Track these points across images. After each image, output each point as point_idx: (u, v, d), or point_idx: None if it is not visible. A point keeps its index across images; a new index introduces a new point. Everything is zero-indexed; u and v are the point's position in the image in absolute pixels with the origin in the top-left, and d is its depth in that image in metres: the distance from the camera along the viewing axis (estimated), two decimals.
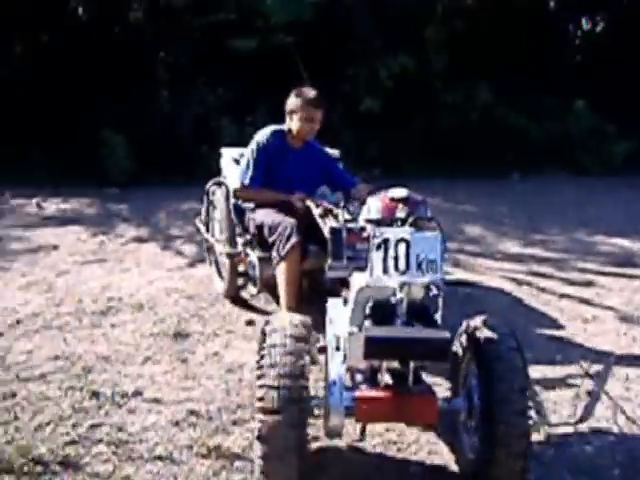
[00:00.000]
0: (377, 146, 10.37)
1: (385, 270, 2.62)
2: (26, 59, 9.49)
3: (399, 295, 2.63)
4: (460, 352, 2.89)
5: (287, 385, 2.51)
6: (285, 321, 2.76)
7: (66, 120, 9.13)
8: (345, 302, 3.08)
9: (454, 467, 2.95)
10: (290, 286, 3.95)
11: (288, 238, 3.95)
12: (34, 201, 7.81)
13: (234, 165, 4.85)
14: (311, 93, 4.35)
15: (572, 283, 5.47)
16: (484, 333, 2.75)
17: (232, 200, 4.46)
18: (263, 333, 2.73)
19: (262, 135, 4.44)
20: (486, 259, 6.06)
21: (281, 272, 3.98)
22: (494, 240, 6.80)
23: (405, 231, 2.66)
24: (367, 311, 2.73)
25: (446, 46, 10.60)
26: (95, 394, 3.40)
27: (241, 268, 4.53)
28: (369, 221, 2.89)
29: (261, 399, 2.52)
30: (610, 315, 4.79)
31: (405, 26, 10.29)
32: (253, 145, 4.40)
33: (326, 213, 3.68)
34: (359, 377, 2.90)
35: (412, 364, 2.65)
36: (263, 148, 4.36)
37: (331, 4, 9.91)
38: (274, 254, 4.01)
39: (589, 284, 5.45)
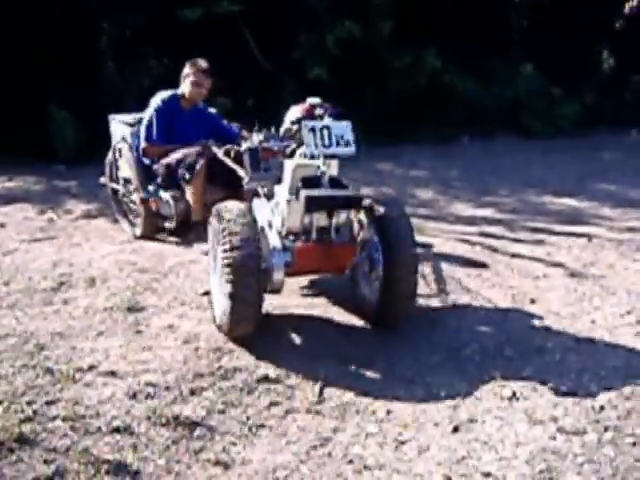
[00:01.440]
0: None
1: (316, 145, 3.57)
2: None
3: (322, 169, 3.61)
4: (363, 219, 3.86)
5: (248, 246, 3.44)
6: (237, 205, 3.68)
7: (11, 97, 8.85)
8: (269, 198, 3.99)
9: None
10: (199, 201, 4.83)
11: (194, 163, 4.88)
12: None
13: (125, 127, 5.61)
14: (203, 63, 5.28)
15: (523, 242, 5.56)
16: (385, 209, 3.77)
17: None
18: (219, 214, 3.61)
19: (159, 99, 5.30)
20: (438, 222, 6.12)
21: (192, 192, 4.90)
22: (446, 203, 6.86)
23: (326, 121, 3.71)
24: (299, 183, 3.65)
25: (392, 11, 10.55)
26: (49, 370, 3.35)
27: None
28: (293, 122, 3.83)
29: (227, 258, 3.42)
30: (560, 272, 4.89)
31: None
32: (151, 109, 5.27)
33: (227, 152, 4.62)
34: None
35: (334, 220, 3.74)
36: (161, 110, 5.22)
37: None
38: (186, 176, 4.92)
39: (539, 243, 5.55)
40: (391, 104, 10.61)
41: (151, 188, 5.27)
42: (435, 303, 4.32)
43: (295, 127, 3.79)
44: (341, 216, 3.79)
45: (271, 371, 3.39)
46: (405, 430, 2.99)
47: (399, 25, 10.42)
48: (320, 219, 3.76)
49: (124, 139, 5.53)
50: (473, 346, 3.72)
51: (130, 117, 5.69)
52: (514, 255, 5.22)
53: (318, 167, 3.62)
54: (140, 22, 9.90)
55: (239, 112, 9.69)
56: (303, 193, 3.59)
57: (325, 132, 3.62)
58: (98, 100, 9.03)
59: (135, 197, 5.39)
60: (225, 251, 3.47)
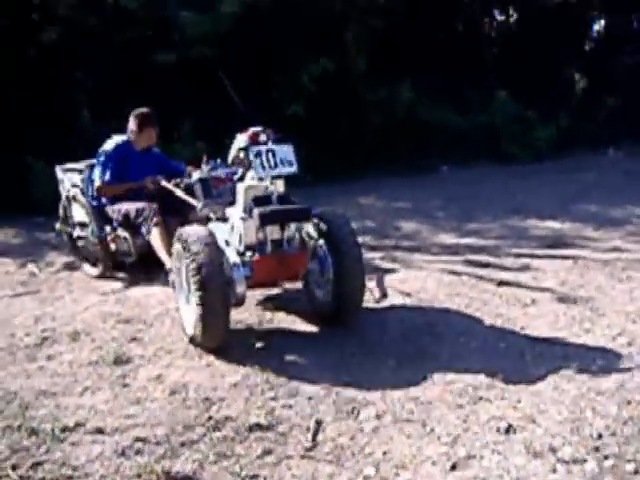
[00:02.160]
0: (306, 151, 10.31)
1: (263, 167, 4.15)
2: None
3: (270, 188, 4.19)
4: (313, 233, 4.33)
5: (212, 263, 3.87)
6: (198, 229, 4.13)
7: None
8: (223, 221, 4.50)
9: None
10: (165, 246, 5.03)
11: (153, 216, 5.27)
12: None
13: (75, 174, 6.00)
14: (146, 115, 5.78)
15: (508, 269, 5.55)
16: (330, 220, 4.34)
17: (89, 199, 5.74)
18: (182, 238, 4.03)
19: (113, 143, 5.75)
20: (423, 253, 6.10)
21: (155, 240, 5.23)
22: (429, 234, 6.86)
23: (270, 145, 4.24)
24: (251, 203, 4.17)
25: (366, 47, 10.69)
26: (34, 431, 3.26)
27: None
28: (241, 149, 4.30)
29: (195, 276, 3.83)
30: (547, 297, 4.87)
31: (323, 30, 10.34)
32: (103, 154, 5.70)
33: (177, 185, 5.19)
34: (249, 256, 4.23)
35: (286, 233, 4.21)
36: (115, 153, 5.66)
37: (247, 14, 9.85)
38: (144, 230, 5.30)
39: (525, 268, 5.54)
40: (368, 137, 10.68)
41: (108, 229, 5.65)
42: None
43: (242, 154, 4.30)
44: (291, 229, 4.26)
45: (262, 418, 3.32)
46: (402, 470, 2.93)
47: (374, 59, 10.55)
48: (273, 233, 4.21)
49: (75, 185, 5.91)
50: (466, 380, 3.66)
51: (79, 165, 6.05)
52: (501, 282, 5.20)
53: (266, 187, 4.21)
54: (115, 69, 9.92)
55: (217, 153, 9.75)
56: (256, 211, 4.08)
57: (270, 155, 4.22)
58: (75, 149, 8.99)
59: (92, 238, 5.70)
60: (193, 270, 3.86)
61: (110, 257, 5.66)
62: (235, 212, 4.32)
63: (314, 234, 4.35)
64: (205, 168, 4.76)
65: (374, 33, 10.90)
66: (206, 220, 4.68)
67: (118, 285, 5.50)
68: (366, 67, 10.71)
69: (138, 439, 3.15)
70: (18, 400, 3.59)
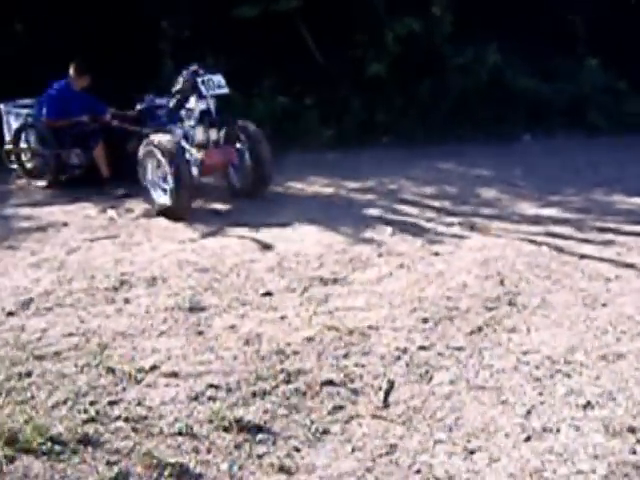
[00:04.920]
0: (385, 112, 10.19)
1: (207, 89, 6.25)
2: (27, 38, 9.31)
3: (211, 105, 6.35)
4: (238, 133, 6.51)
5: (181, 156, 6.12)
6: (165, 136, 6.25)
7: None
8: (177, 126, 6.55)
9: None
10: (105, 159, 7.11)
11: (98, 137, 7.12)
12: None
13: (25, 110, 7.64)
14: (84, 63, 7.36)
15: (591, 243, 5.36)
16: (247, 126, 6.59)
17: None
18: (157, 141, 6.11)
19: (56, 87, 7.27)
20: (502, 221, 5.94)
21: (99, 153, 7.08)
22: (510, 202, 6.66)
23: (209, 75, 6.34)
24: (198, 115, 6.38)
25: (453, 7, 10.35)
26: (112, 370, 3.34)
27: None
28: (185, 80, 6.40)
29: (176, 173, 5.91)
30: (632, 274, 4.68)
31: None
32: (51, 95, 7.25)
33: (124, 116, 7.21)
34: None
35: (220, 134, 6.43)
36: (57, 95, 7.22)
37: None
38: (92, 146, 7.11)
39: (609, 243, 5.34)
40: (450, 101, 10.41)
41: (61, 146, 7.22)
42: None
43: (185, 84, 6.35)
44: (222, 131, 6.42)
45: (334, 375, 3.31)
46: (474, 439, 2.87)
47: (460, 20, 10.21)
48: (212, 134, 6.38)
49: (29, 115, 7.49)
50: (544, 352, 3.57)
51: (22, 103, 7.75)
52: (582, 256, 5.03)
53: (208, 105, 6.34)
54: (199, 21, 9.92)
55: (298, 111, 9.71)
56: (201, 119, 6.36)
57: (209, 81, 6.29)
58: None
59: (47, 153, 7.21)
60: (169, 161, 5.90)
61: (61, 170, 7.25)
62: (186, 123, 6.44)
63: (238, 137, 6.50)
64: (147, 100, 7.13)
65: None
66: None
67: (195, 235, 5.56)
68: (451, 28, 10.39)
69: (211, 385, 3.19)
70: (97, 339, 3.68)
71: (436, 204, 6.51)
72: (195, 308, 4.03)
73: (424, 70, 10.31)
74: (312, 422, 2.95)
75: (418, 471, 2.66)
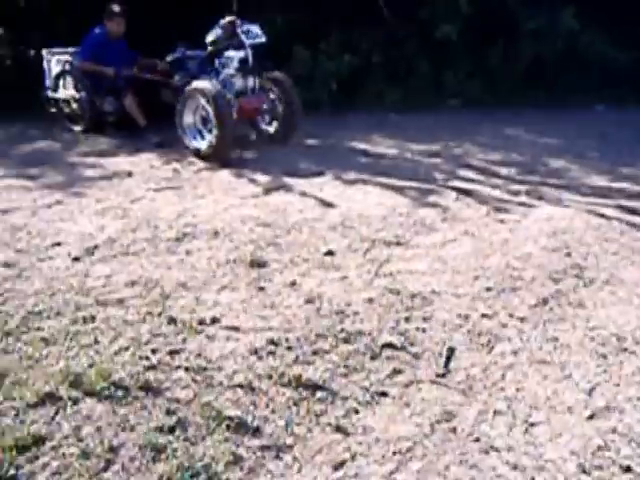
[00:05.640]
0: (454, 75, 9.96)
1: (246, 38, 6.61)
2: None
3: (249, 52, 6.64)
4: (269, 85, 6.96)
5: (225, 100, 6.37)
6: (207, 83, 6.53)
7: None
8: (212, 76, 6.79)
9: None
10: (137, 108, 7.34)
11: (129, 86, 7.34)
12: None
13: (66, 57, 7.78)
14: (116, 9, 7.42)
15: None
16: (280, 78, 6.98)
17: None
18: (200, 88, 6.42)
19: (92, 33, 7.49)
20: (571, 193, 5.75)
21: (130, 102, 7.32)
22: (579, 173, 6.45)
23: (246, 25, 6.68)
24: (237, 64, 6.75)
25: None
26: (173, 320, 3.37)
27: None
28: (224, 26, 6.74)
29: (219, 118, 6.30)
30: None
31: None
32: (87, 39, 7.51)
33: (155, 67, 7.45)
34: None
35: (255, 80, 6.82)
36: (92, 40, 7.45)
37: None
38: (123, 95, 7.33)
39: None
40: (521, 67, 10.11)
41: (95, 93, 7.48)
42: None
43: (220, 34, 6.72)
44: (257, 79, 6.81)
45: (394, 338, 3.27)
46: (535, 412, 2.81)
47: None
48: (249, 82, 6.77)
49: (69, 62, 7.68)
50: (610, 329, 3.46)
51: (64, 50, 7.90)
52: None
53: (247, 54, 6.66)
54: None
55: (364, 70, 9.55)
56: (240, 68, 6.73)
57: (248, 31, 6.63)
58: None
59: (85, 99, 7.49)
60: (213, 106, 6.23)
61: (96, 116, 7.52)
62: (225, 71, 6.75)
63: (270, 85, 6.93)
64: (178, 52, 7.20)
65: None
66: (178, 89, 6.81)
67: (257, 190, 5.55)
68: None
69: (271, 341, 3.19)
70: (159, 289, 3.71)
71: (503, 171, 6.35)
72: (256, 263, 4.03)
73: (496, 33, 10.01)
74: (371, 384, 2.93)
75: (477, 440, 2.62)
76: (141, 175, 6.01)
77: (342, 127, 8.05)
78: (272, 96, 7.00)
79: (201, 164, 6.36)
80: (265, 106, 6.97)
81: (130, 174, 6.02)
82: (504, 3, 9.86)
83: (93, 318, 3.39)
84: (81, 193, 5.46)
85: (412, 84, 9.68)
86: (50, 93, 7.85)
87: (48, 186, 5.64)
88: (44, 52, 7.98)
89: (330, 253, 4.17)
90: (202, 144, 6.47)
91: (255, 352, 3.11)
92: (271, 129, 7.16)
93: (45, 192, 5.46)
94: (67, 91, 7.70)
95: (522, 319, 3.53)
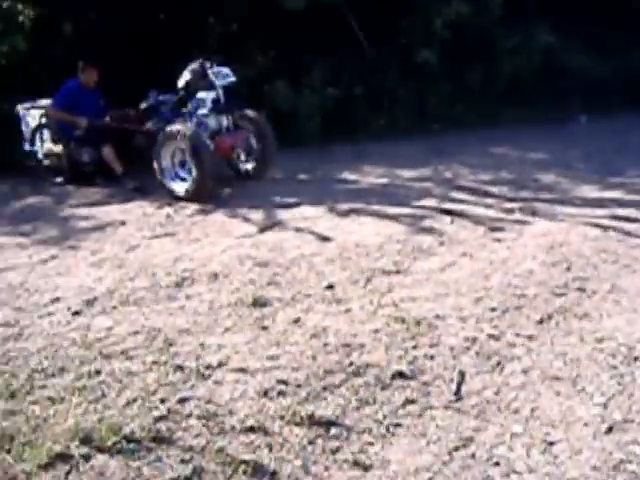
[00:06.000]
0: (436, 99, 10.06)
1: (216, 79, 6.79)
2: (79, 38, 9.41)
3: (220, 94, 6.80)
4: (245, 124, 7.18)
5: (205, 142, 6.59)
6: (184, 126, 6.62)
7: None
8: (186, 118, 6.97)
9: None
10: (116, 162, 7.45)
11: (107, 136, 7.46)
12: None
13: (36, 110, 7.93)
14: (88, 60, 7.63)
15: None
16: (254, 116, 7.14)
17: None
18: (172, 132, 6.53)
19: (65, 83, 7.59)
20: (565, 206, 5.79)
21: (108, 152, 7.42)
22: (570, 186, 6.50)
23: (218, 68, 6.91)
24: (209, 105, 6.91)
25: None
26: (179, 367, 3.33)
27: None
28: (195, 72, 6.89)
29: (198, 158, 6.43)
30: None
31: None
32: (60, 90, 7.56)
33: (127, 115, 7.58)
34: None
35: (228, 119, 6.99)
36: (65, 91, 7.55)
37: None
38: (101, 145, 7.44)
39: None
40: (501, 85, 10.23)
41: (72, 145, 7.62)
42: None
43: (193, 76, 6.89)
44: (230, 119, 6.97)
45: (404, 367, 3.25)
46: (553, 430, 2.78)
47: (509, 2, 9.99)
48: (223, 121, 6.93)
49: (44, 115, 7.80)
50: (618, 339, 3.45)
51: (39, 103, 7.92)
52: None
53: (218, 94, 6.84)
54: (244, 15, 9.91)
55: (348, 102, 9.63)
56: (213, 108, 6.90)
57: (219, 72, 6.80)
58: None
59: (61, 152, 7.64)
60: (191, 149, 6.36)
61: (74, 167, 7.60)
62: (198, 113, 6.91)
63: (244, 123, 7.09)
64: (151, 98, 7.39)
65: None
66: (153, 134, 6.94)
67: (252, 229, 5.54)
68: (501, 11, 10.17)
69: (280, 381, 3.16)
70: (162, 337, 3.68)
71: (494, 190, 6.38)
72: (258, 303, 4.00)
73: (474, 54, 10.14)
74: (384, 416, 2.90)
75: (497, 464, 2.59)
76: (134, 223, 5.99)
77: (330, 159, 8.08)
78: (246, 133, 7.13)
79: (194, 208, 6.35)
80: (240, 143, 7.04)
81: (123, 223, 6.01)
82: (479, 24, 10.00)
83: (98, 372, 3.35)
84: (76, 246, 5.44)
85: (396, 111, 9.77)
86: (28, 147, 8.01)
87: (43, 241, 5.62)
88: (19, 107, 8.10)
89: (331, 287, 4.15)
90: (183, 186, 6.59)
91: (265, 393, 3.08)
92: (247, 166, 7.27)
93: (40, 248, 5.43)
94: (45, 144, 7.87)
95: (529, 337, 3.52)
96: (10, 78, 8.82)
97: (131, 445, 2.75)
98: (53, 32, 9.25)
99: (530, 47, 10.16)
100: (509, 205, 5.84)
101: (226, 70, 6.89)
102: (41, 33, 8.86)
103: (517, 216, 5.54)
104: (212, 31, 10.28)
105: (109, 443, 2.75)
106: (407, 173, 7.23)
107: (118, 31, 9.33)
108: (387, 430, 2.81)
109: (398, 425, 2.85)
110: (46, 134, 7.83)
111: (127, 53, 9.19)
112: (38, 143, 7.90)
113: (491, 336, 3.53)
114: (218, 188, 6.79)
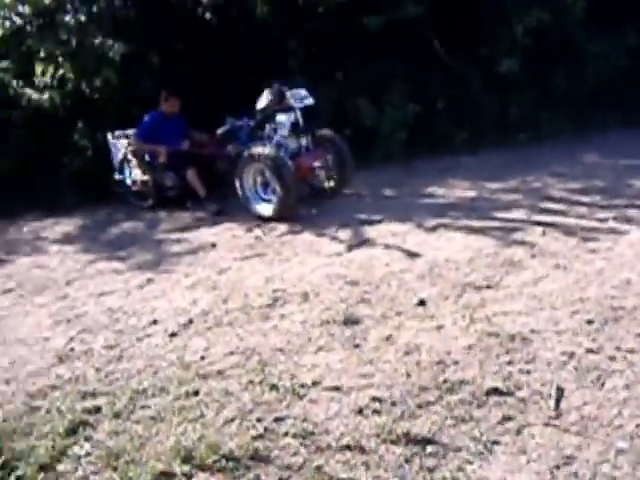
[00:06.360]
0: (520, 108, 9.89)
1: (294, 101, 6.88)
2: (166, 69, 9.74)
3: (299, 116, 6.96)
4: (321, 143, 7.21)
5: (287, 163, 6.67)
6: (266, 149, 6.75)
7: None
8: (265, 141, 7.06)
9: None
10: (199, 181, 7.67)
11: (189, 161, 7.73)
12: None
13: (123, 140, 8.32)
14: (169, 90, 8.02)
15: None
16: (332, 136, 7.26)
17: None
18: (261, 153, 6.68)
19: (148, 114, 8.01)
20: None
21: (192, 177, 7.66)
22: None
23: (295, 90, 6.96)
24: (288, 127, 7.02)
25: None
26: (274, 387, 3.38)
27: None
28: (275, 95, 7.02)
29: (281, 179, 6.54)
30: None
31: None
32: (142, 121, 8.00)
33: (209, 140, 7.87)
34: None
35: (307, 140, 7.13)
36: (147, 122, 7.97)
37: None
38: (185, 170, 7.72)
39: None
40: (588, 91, 9.97)
41: (157, 171, 7.97)
42: None
43: (269, 101, 7.03)
44: (309, 140, 7.10)
45: (499, 383, 3.19)
46: None
47: (593, 5, 9.74)
48: (303, 142, 7.09)
49: (130, 144, 8.18)
50: None
51: (127, 133, 8.25)
52: None
53: (297, 116, 6.96)
54: (326, 37, 10.03)
55: (430, 116, 9.59)
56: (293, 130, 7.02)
57: (296, 94, 6.92)
58: None
59: (147, 178, 8.03)
60: (276, 171, 6.53)
61: (159, 192, 7.96)
62: (278, 135, 6.99)
63: (324, 144, 7.16)
64: (228, 123, 7.58)
65: None
66: (233, 158, 7.21)
67: (341, 247, 5.57)
68: (584, 15, 9.93)
69: (375, 399, 3.16)
70: (257, 357, 3.74)
71: (586, 199, 6.21)
72: (350, 321, 4.03)
73: (558, 60, 9.92)
74: (481, 433, 2.86)
75: None
76: (225, 245, 6.13)
77: (415, 175, 8.06)
78: (324, 153, 7.19)
79: (282, 228, 6.45)
80: (319, 163, 7.11)
81: (214, 245, 6.15)
82: (562, 29, 9.79)
83: (196, 392, 3.44)
84: (170, 269, 5.61)
85: (480, 123, 9.65)
86: (117, 175, 8.35)
87: (138, 266, 5.82)
88: (109, 136, 8.43)
89: (422, 303, 4.13)
90: (267, 208, 6.76)
91: (360, 411, 3.09)
92: (326, 184, 7.34)
93: (136, 272, 5.63)
94: (133, 172, 8.20)
95: (630, 350, 3.40)
96: (103, 110, 9.23)
97: (230, 463, 2.81)
98: (142, 64, 9.58)
99: (616, 50, 9.86)
100: (602, 214, 5.67)
101: (303, 92, 7.01)
102: (131, 66, 9.22)
103: (611, 225, 5.37)
104: (293, 52, 10.44)
105: (209, 461, 2.82)
106: (494, 185, 7.12)
107: (202, 60, 9.61)
108: (485, 448, 2.78)
109: (496, 442, 2.81)
110: (133, 162, 8.20)
111: (211, 80, 9.44)
112: (126, 171, 8.26)
113: (589, 350, 3.44)
114: (302, 207, 6.88)
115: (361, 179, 7.77)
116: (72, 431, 3.19)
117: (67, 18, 9.18)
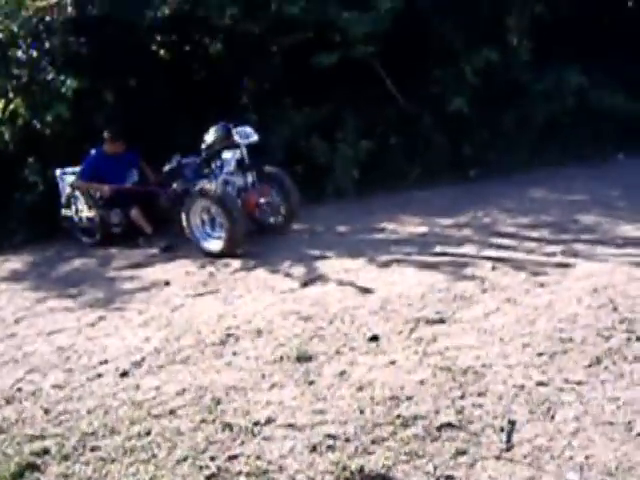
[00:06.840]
0: (471, 146, 10.09)
1: (240, 138, 7.02)
2: (118, 105, 9.72)
3: (244, 153, 7.13)
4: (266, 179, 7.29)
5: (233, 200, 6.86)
6: (212, 185, 6.84)
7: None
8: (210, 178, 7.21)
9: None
10: (145, 222, 7.84)
11: (133, 199, 7.93)
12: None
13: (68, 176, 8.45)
14: (111, 132, 8.20)
15: None
16: (277, 172, 7.35)
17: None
18: (207, 191, 6.77)
19: (89, 154, 8.18)
20: (607, 246, 5.72)
21: (137, 214, 7.84)
22: (611, 225, 6.42)
23: (240, 128, 7.10)
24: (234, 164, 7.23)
25: (529, 33, 10.23)
26: (228, 425, 3.35)
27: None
28: (220, 134, 7.20)
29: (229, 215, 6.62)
30: None
31: (485, 20, 10.03)
32: (85, 160, 8.16)
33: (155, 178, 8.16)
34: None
35: (253, 176, 7.20)
36: (89, 161, 8.14)
37: (407, 9, 9.73)
38: (129, 208, 7.92)
39: None
40: (536, 128, 10.23)
41: (102, 209, 8.08)
42: None
43: (215, 139, 7.22)
44: (255, 176, 7.19)
45: (452, 417, 3.22)
46: (610, 478, 2.72)
47: (539, 46, 10.07)
48: (248, 178, 7.16)
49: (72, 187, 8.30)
50: None
51: (74, 170, 8.36)
52: None
53: (242, 153, 7.11)
54: (277, 74, 10.14)
55: (383, 153, 9.72)
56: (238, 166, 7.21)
57: (242, 132, 7.05)
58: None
59: (93, 214, 8.08)
60: (222, 207, 6.61)
61: (106, 228, 8.04)
62: (224, 172, 7.20)
63: (270, 181, 7.24)
64: (169, 164, 7.83)
65: (537, 18, 10.40)
66: (178, 195, 7.41)
67: (294, 284, 5.58)
68: (530, 55, 10.24)
69: (329, 435, 3.16)
70: (210, 395, 3.71)
71: (534, 234, 6.34)
72: (303, 357, 4.02)
73: (506, 100, 10.18)
74: (435, 467, 2.88)
75: None
76: (178, 282, 6.09)
77: (368, 211, 8.14)
78: (270, 189, 7.26)
79: (235, 265, 6.43)
80: (265, 199, 7.16)
81: (167, 283, 6.10)
82: (509, 69, 10.07)
83: (148, 432, 3.39)
84: (122, 307, 5.54)
85: (431, 160, 9.81)
86: (64, 211, 8.38)
87: (89, 304, 5.74)
88: (57, 172, 8.49)
89: (375, 338, 4.16)
90: (215, 244, 6.82)
91: (314, 448, 3.08)
92: (273, 220, 7.41)
93: (87, 310, 5.55)
94: (79, 208, 8.25)
95: (579, 382, 3.47)
96: (55, 145, 9.14)
97: None
98: (95, 100, 9.53)
99: (562, 89, 10.16)
100: (550, 248, 5.79)
101: (249, 129, 7.12)
102: (83, 101, 9.16)
103: (559, 259, 5.49)
104: (246, 90, 10.52)
105: None
106: (445, 221, 7.23)
107: (155, 96, 9.62)
108: None
109: (449, 477, 2.82)
110: (80, 198, 8.24)
111: (163, 116, 9.45)
112: (74, 207, 8.30)
113: (540, 383, 3.49)
114: (253, 244, 6.94)
115: (314, 215, 7.83)
116: (19, 475, 3.12)
117: (19, 53, 9.11)
